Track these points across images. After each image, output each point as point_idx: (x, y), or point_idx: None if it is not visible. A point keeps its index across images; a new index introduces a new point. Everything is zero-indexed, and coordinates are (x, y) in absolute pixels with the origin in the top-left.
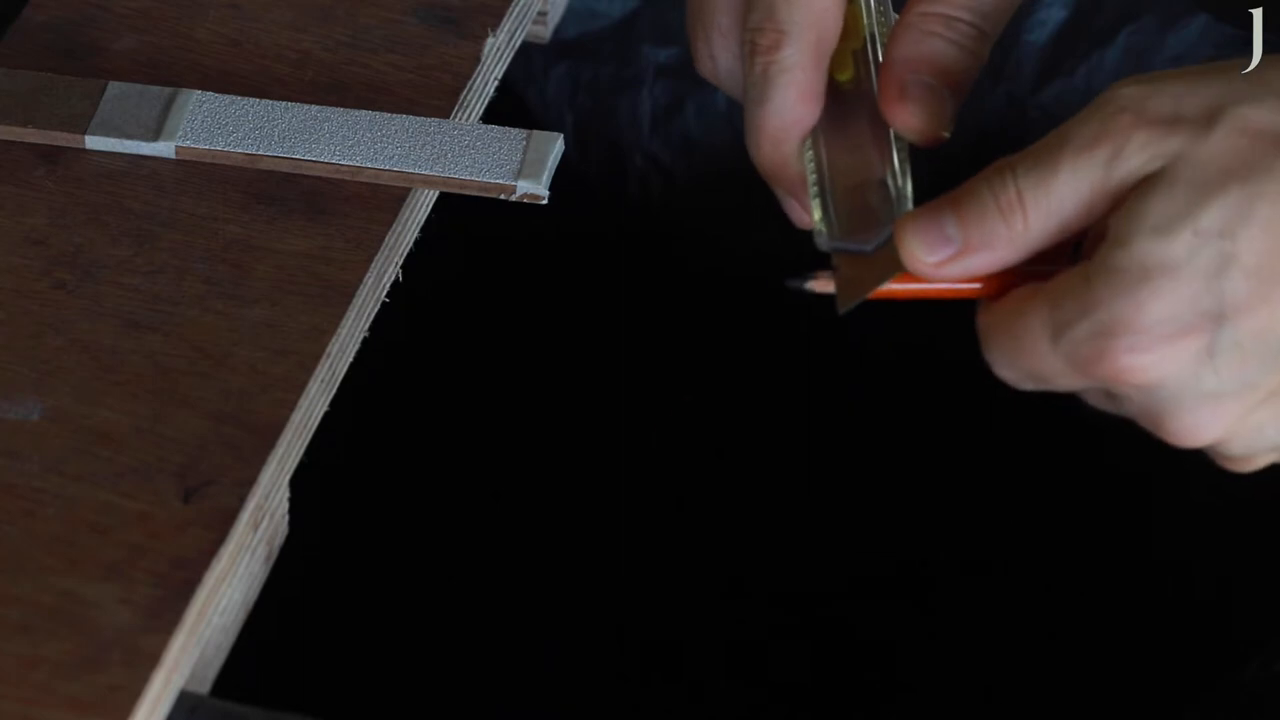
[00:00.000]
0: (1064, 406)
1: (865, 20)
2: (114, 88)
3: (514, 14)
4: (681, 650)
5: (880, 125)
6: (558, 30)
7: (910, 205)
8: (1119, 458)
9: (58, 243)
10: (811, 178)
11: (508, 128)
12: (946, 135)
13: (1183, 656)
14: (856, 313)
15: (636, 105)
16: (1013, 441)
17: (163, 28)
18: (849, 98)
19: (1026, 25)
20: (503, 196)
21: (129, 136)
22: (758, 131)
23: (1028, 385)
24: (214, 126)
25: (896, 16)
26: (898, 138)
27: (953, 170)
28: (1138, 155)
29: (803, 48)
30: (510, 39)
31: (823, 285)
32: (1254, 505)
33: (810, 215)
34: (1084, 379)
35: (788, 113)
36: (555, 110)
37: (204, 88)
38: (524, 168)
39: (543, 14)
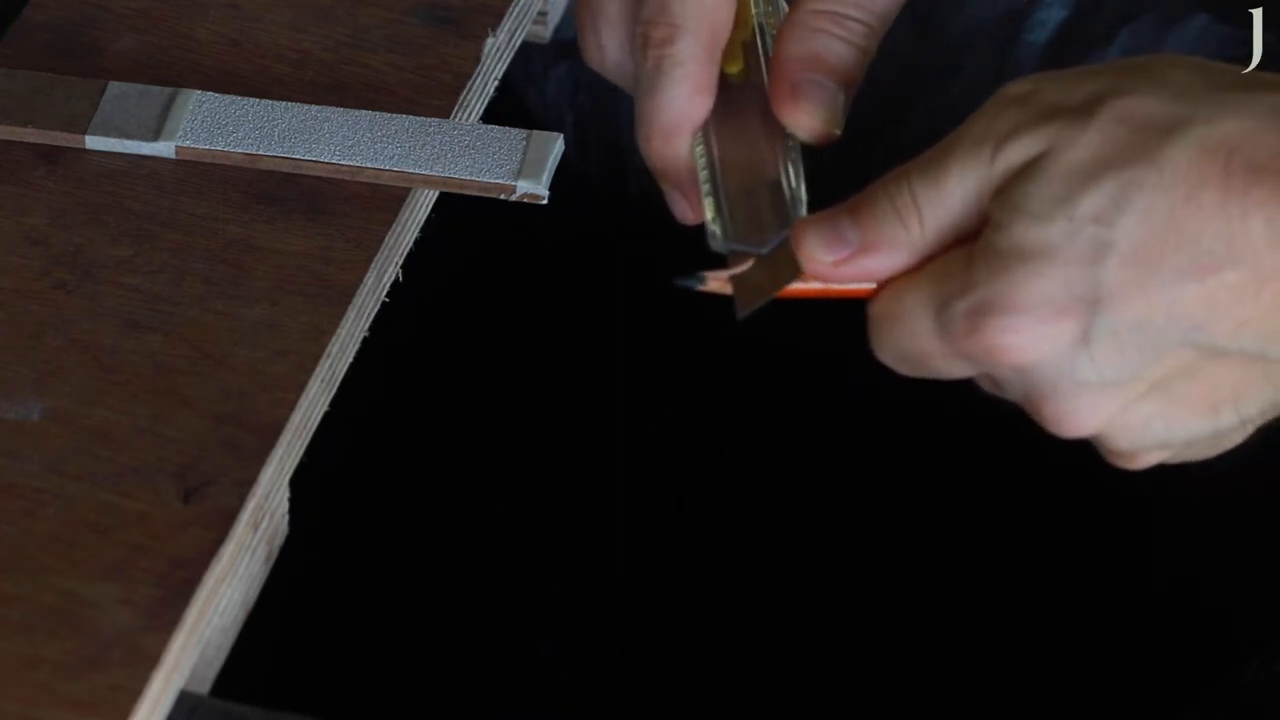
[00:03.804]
0: None
1: (753, 10)
2: (114, 88)
3: (514, 14)
4: (681, 650)
5: (771, 121)
6: (558, 30)
7: (804, 208)
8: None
9: (58, 243)
10: (703, 174)
11: (507, 128)
12: (838, 133)
13: (1183, 656)
14: (853, 315)
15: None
16: (1013, 439)
17: (163, 28)
18: (739, 90)
19: (1026, 25)
20: (503, 196)
21: (129, 136)
22: (649, 125)
23: (909, 372)
24: (214, 126)
25: (785, 5)
26: (790, 136)
27: None
28: (1017, 144)
29: (696, 42)
30: (510, 39)
31: (715, 286)
32: (1254, 506)
33: (703, 213)
34: (961, 359)
35: (680, 106)
36: (555, 110)
37: (204, 88)
38: (524, 168)
39: (543, 14)
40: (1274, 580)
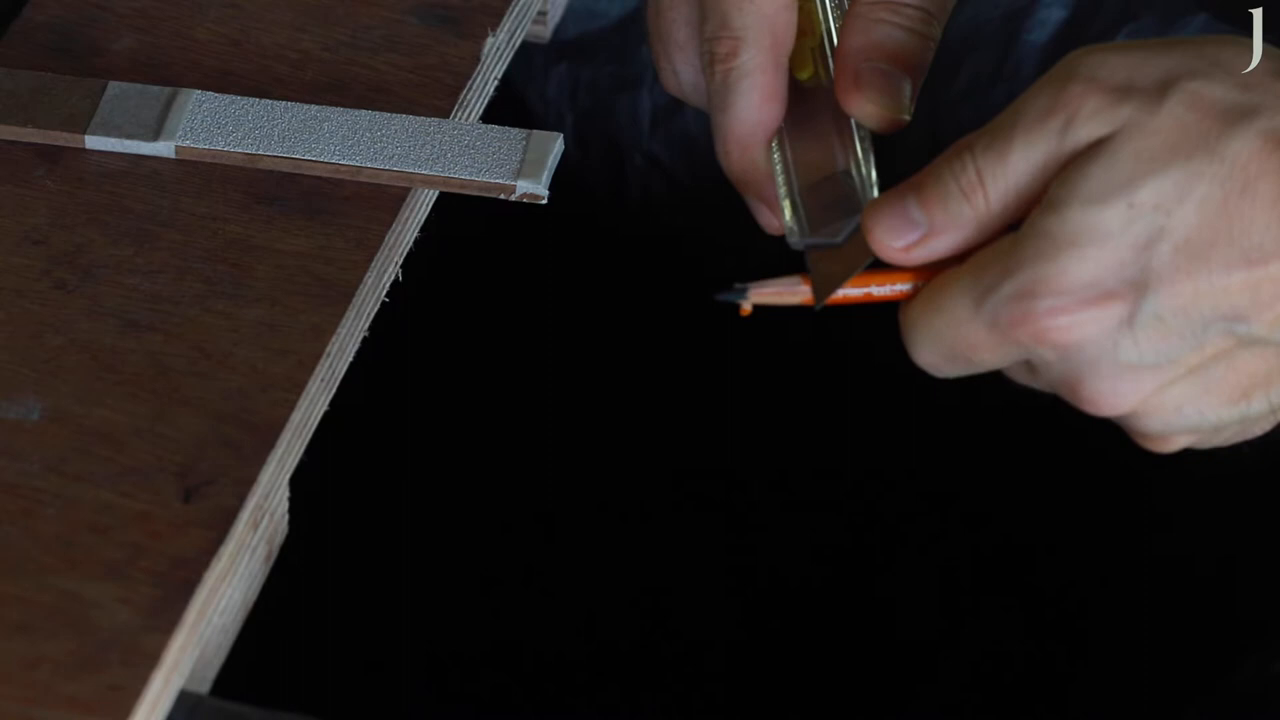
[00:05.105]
0: (1062, 401)
1: (821, 16)
2: (114, 88)
3: (514, 14)
4: (681, 650)
5: (842, 118)
6: (558, 30)
7: (875, 192)
8: (1118, 452)
9: (58, 243)
10: (779, 179)
11: (507, 128)
12: (907, 119)
13: (1182, 655)
14: (859, 311)
15: (636, 105)
16: (1012, 435)
17: (163, 28)
18: (811, 95)
19: (1026, 25)
20: (503, 196)
21: (129, 136)
22: (725, 138)
23: (948, 368)
24: (214, 126)
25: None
26: (859, 127)
27: None
28: (1089, 123)
29: (759, 51)
30: (510, 39)
31: (759, 296)
32: (1254, 501)
33: (781, 217)
34: (1005, 344)
35: (752, 116)
36: (555, 110)
37: (204, 88)
38: (524, 168)
39: (543, 14)
40: (1274, 579)
